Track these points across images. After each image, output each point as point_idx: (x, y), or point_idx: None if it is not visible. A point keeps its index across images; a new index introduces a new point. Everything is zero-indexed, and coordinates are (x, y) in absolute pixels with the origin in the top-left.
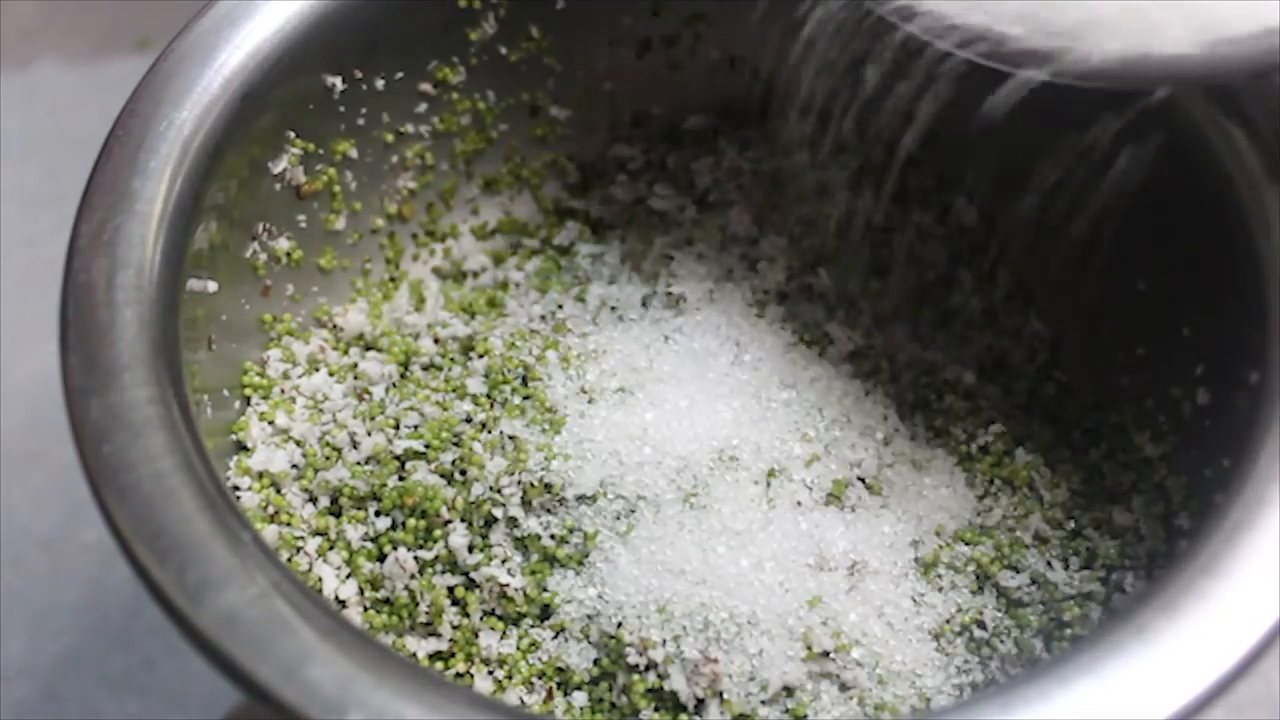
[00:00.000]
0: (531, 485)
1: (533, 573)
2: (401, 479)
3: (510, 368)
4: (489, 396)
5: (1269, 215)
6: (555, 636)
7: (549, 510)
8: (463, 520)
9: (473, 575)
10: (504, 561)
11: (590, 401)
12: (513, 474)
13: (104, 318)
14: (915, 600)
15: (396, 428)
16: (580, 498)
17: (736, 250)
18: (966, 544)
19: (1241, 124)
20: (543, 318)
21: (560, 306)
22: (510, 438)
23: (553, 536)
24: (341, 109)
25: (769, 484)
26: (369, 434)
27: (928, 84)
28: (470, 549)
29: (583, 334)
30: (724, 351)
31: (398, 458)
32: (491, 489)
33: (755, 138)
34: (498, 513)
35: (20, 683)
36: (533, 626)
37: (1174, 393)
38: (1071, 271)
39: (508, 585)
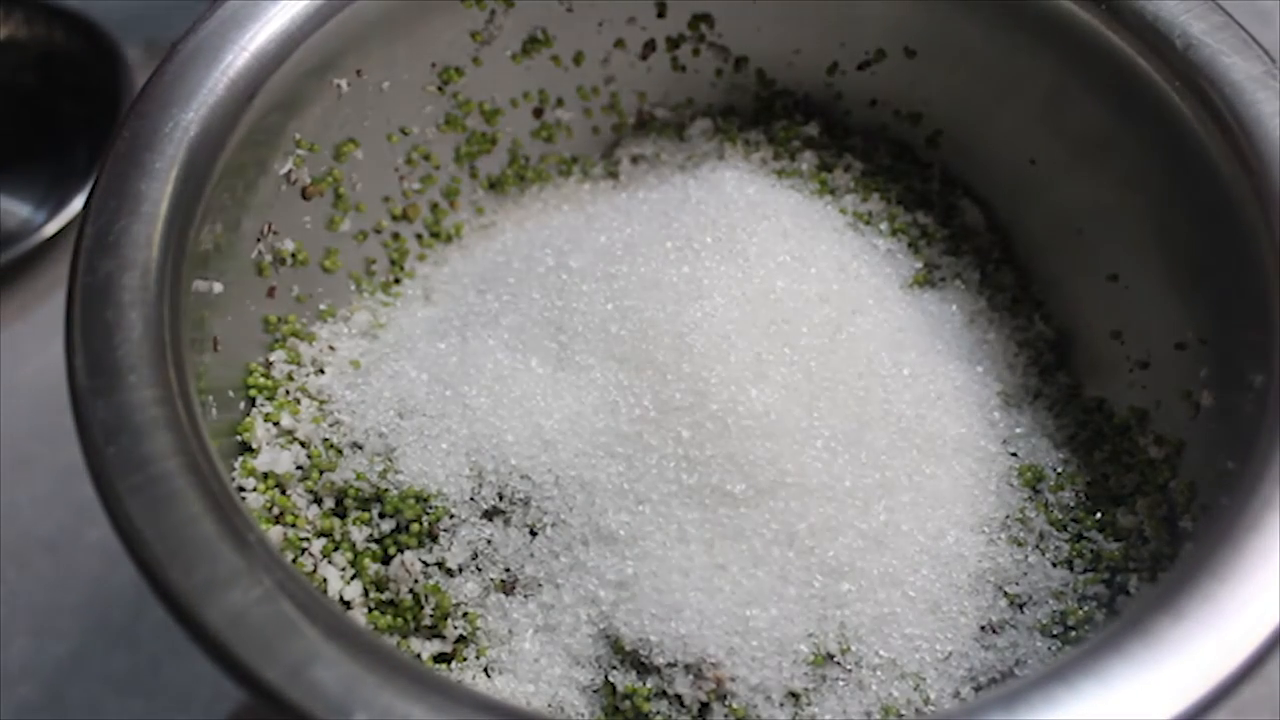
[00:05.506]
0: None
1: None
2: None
3: None
4: None
5: (1272, 217)
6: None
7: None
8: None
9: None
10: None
11: None
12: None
13: (110, 318)
14: (919, 603)
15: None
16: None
17: None
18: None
19: (1240, 126)
20: None
21: None
22: None
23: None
24: (347, 110)
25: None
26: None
27: None
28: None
29: None
30: None
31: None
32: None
33: (760, 139)
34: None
35: (24, 683)
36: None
37: (1178, 395)
38: (1076, 274)
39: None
